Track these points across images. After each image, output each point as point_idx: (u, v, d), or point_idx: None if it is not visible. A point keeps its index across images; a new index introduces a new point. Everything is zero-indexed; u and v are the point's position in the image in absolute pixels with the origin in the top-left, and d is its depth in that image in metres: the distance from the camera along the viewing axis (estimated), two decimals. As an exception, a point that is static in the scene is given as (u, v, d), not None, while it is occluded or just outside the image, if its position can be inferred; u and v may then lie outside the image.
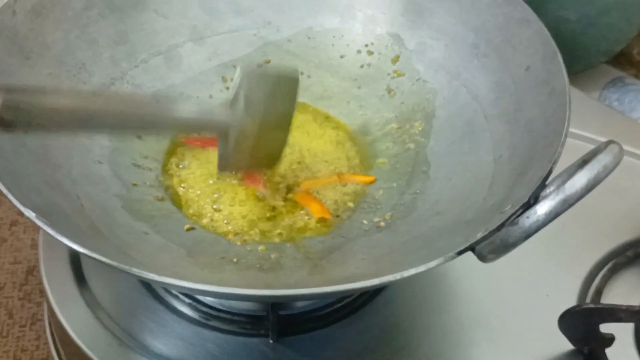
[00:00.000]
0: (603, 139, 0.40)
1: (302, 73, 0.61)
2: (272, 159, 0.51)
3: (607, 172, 0.36)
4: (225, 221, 0.52)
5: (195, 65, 0.60)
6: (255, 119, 0.47)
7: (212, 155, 0.56)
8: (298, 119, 0.59)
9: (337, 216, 0.53)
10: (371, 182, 0.55)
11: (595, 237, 0.58)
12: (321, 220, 0.52)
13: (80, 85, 0.53)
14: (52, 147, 0.49)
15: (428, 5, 0.59)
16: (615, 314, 0.47)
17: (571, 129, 0.61)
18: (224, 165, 0.50)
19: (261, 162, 0.51)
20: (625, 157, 0.63)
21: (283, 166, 0.55)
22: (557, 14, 0.75)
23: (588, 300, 0.53)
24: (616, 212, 0.60)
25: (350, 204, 0.54)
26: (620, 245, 0.57)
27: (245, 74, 0.46)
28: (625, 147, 0.63)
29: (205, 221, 0.52)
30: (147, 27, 0.59)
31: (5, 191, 0.39)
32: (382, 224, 0.51)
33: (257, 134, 0.47)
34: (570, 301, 0.53)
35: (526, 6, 0.52)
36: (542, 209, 0.36)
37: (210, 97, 0.60)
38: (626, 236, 0.58)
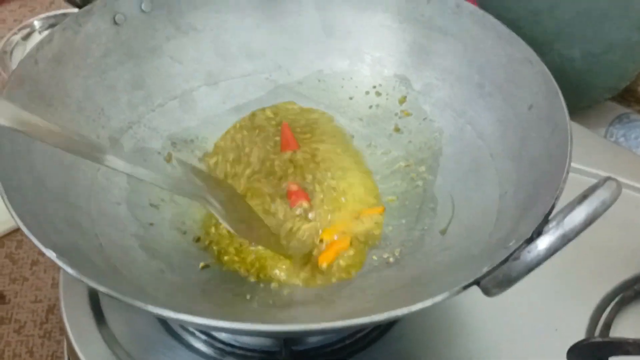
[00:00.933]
0: (609, 175, 0.41)
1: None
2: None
3: (605, 207, 0.37)
4: (238, 259, 0.53)
5: (209, 109, 0.62)
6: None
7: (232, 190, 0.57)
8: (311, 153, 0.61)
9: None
10: (381, 213, 0.56)
11: (603, 270, 0.59)
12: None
13: (99, 129, 0.55)
14: (72, 188, 0.50)
15: (433, 47, 0.60)
16: (624, 347, 0.47)
17: (578, 165, 0.62)
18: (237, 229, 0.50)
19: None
20: (632, 193, 0.64)
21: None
22: (562, 52, 0.76)
23: (597, 333, 0.54)
24: (624, 246, 0.61)
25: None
26: (628, 278, 0.58)
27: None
28: (632, 183, 0.65)
29: (219, 258, 0.53)
30: (163, 73, 0.61)
31: (26, 232, 0.40)
32: (391, 259, 0.52)
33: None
34: (579, 335, 0.53)
35: (528, 47, 0.53)
36: (542, 244, 0.37)
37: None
38: (634, 270, 0.58)
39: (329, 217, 0.55)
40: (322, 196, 0.56)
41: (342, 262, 0.52)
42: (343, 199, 0.56)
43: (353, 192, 0.57)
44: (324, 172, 0.58)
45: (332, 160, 0.59)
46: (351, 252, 0.53)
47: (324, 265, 0.52)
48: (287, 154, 0.59)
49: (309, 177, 0.58)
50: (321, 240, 0.54)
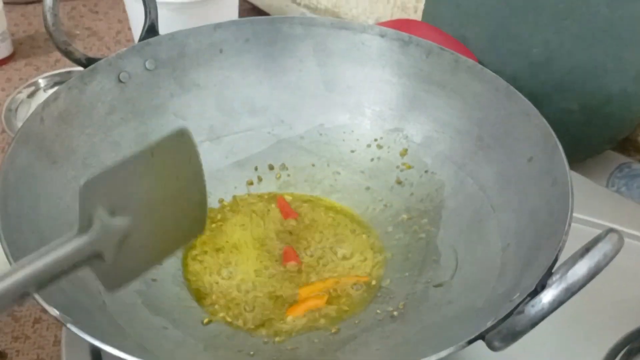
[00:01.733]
0: (611, 225, 0.41)
1: (313, 165, 0.64)
2: (196, 223, 0.44)
3: (607, 260, 0.37)
4: (242, 314, 0.53)
5: (213, 163, 0.62)
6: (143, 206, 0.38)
7: (231, 244, 0.57)
8: (312, 214, 0.61)
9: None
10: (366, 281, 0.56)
11: (609, 322, 0.58)
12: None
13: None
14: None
15: (433, 101, 0.61)
16: (633, 400, 0.47)
17: (580, 215, 0.62)
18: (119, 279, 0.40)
19: (181, 236, 0.43)
20: (636, 243, 0.64)
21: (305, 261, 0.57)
22: (560, 105, 0.77)
23: (605, 386, 0.53)
24: (629, 297, 0.60)
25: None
26: (635, 330, 0.57)
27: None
28: (636, 233, 0.65)
29: (222, 314, 0.53)
30: (167, 129, 0.59)
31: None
32: (395, 313, 0.52)
33: (158, 214, 0.39)
34: (587, 388, 0.53)
35: (526, 100, 0.54)
36: (546, 297, 0.37)
37: (225, 193, 0.62)
38: (640, 321, 0.58)
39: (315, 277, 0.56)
40: (312, 259, 0.58)
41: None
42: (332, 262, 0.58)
43: (345, 256, 0.58)
44: (319, 238, 0.60)
45: (329, 226, 0.61)
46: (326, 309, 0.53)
47: (289, 317, 0.52)
48: (285, 222, 0.61)
49: (304, 242, 0.59)
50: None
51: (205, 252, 0.57)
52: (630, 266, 0.61)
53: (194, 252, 0.57)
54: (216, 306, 0.53)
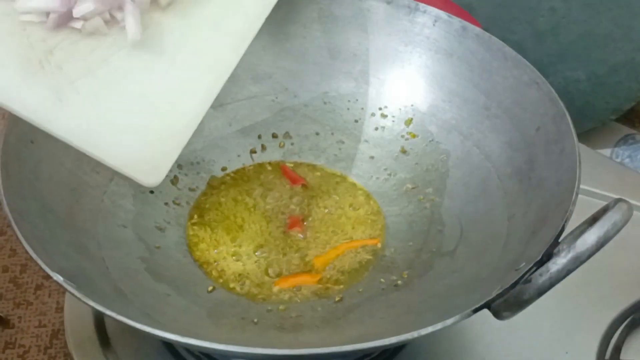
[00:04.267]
0: (615, 196, 0.41)
1: (317, 134, 0.64)
2: None
3: (616, 229, 0.36)
4: (245, 282, 0.53)
5: (216, 131, 0.62)
6: None
7: (235, 216, 0.57)
8: (316, 182, 0.61)
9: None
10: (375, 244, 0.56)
11: (612, 293, 0.58)
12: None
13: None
14: (78, 212, 0.50)
15: (439, 69, 0.60)
16: (635, 370, 0.47)
17: (584, 186, 0.62)
18: None
19: None
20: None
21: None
22: (566, 74, 0.77)
23: (607, 356, 0.53)
24: (633, 268, 0.61)
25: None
26: (638, 301, 0.57)
27: None
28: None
29: (225, 282, 0.53)
30: None
31: (34, 256, 0.40)
32: (399, 282, 0.52)
33: None
34: (590, 358, 0.53)
35: (534, 69, 0.54)
36: (554, 266, 0.37)
37: (229, 161, 0.62)
38: (643, 292, 0.58)
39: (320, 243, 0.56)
40: (316, 226, 0.57)
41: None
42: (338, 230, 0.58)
43: (352, 222, 0.58)
44: (323, 206, 0.59)
45: (333, 195, 0.60)
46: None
47: (276, 287, 0.52)
48: (289, 190, 0.60)
49: (308, 209, 0.59)
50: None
51: (209, 221, 0.57)
52: (634, 237, 0.61)
53: (198, 220, 0.57)
54: (220, 274, 0.53)
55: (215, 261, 0.54)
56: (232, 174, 0.61)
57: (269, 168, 0.62)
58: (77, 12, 0.46)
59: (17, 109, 0.45)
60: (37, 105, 0.45)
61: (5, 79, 0.45)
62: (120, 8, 0.47)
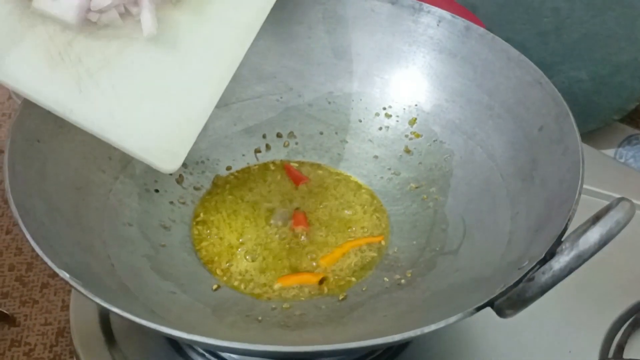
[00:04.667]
0: (619, 196, 0.41)
1: (321, 133, 0.64)
2: None
3: (619, 228, 0.37)
4: (250, 280, 0.53)
5: (220, 130, 0.62)
6: None
7: (240, 215, 0.58)
8: (320, 181, 0.61)
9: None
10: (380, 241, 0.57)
11: (615, 292, 0.59)
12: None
13: (111, 150, 0.54)
14: (84, 210, 0.51)
15: (443, 69, 0.61)
16: (638, 369, 0.48)
17: (587, 186, 0.62)
18: None
19: None
20: (643, 213, 0.64)
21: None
22: (569, 74, 0.77)
23: (610, 355, 0.53)
24: (636, 268, 0.61)
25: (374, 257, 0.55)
26: (640, 300, 0.58)
27: None
28: (643, 204, 0.64)
29: (230, 280, 0.53)
30: None
31: (41, 254, 0.41)
32: (402, 281, 0.52)
33: None
34: (593, 357, 0.53)
35: (537, 69, 0.54)
36: (557, 264, 0.37)
37: (234, 161, 0.62)
38: (646, 291, 0.58)
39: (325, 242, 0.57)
40: (321, 225, 0.58)
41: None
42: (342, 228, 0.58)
43: (356, 221, 0.58)
44: (327, 205, 0.59)
45: (337, 194, 0.61)
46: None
47: (278, 285, 0.53)
48: (293, 189, 0.61)
49: (312, 208, 0.59)
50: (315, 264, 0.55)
51: (214, 219, 0.57)
52: (636, 237, 0.61)
53: (203, 219, 0.57)
54: (224, 272, 0.53)
55: (219, 259, 0.54)
56: (236, 173, 0.62)
57: (273, 168, 0.62)
58: (94, 4, 0.48)
59: (40, 99, 0.47)
60: (59, 96, 0.47)
61: (29, 71, 0.47)
62: (136, 3, 0.49)
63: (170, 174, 0.58)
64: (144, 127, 0.49)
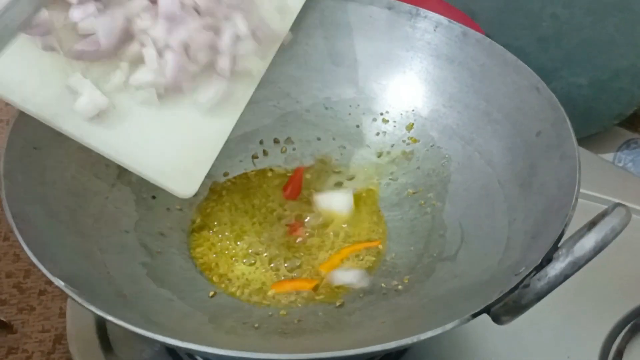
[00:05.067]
0: (617, 201, 0.41)
1: (319, 139, 0.64)
2: None
3: (614, 233, 0.36)
4: (247, 286, 0.53)
5: (218, 136, 0.62)
6: None
7: (237, 221, 0.57)
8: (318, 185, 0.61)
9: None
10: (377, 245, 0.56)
11: (614, 298, 0.58)
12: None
13: (108, 158, 0.55)
14: (81, 217, 0.50)
15: (440, 74, 0.61)
16: (637, 375, 0.47)
17: (586, 191, 0.62)
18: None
19: None
20: (642, 218, 0.64)
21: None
22: (569, 79, 0.77)
23: (609, 361, 0.53)
24: (634, 273, 0.61)
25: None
26: (639, 305, 0.57)
27: None
28: (641, 208, 0.64)
29: (227, 287, 0.53)
30: None
31: (35, 261, 0.41)
32: (400, 287, 0.52)
33: None
34: (592, 363, 0.53)
35: (535, 74, 0.54)
36: (552, 271, 0.37)
37: (231, 167, 0.62)
38: (645, 296, 0.58)
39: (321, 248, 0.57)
40: (318, 231, 0.58)
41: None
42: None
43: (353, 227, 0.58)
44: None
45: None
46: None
47: (272, 291, 0.53)
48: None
49: (309, 214, 0.59)
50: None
51: (210, 226, 0.57)
52: (634, 242, 0.61)
53: (200, 225, 0.57)
54: (221, 279, 0.53)
55: (216, 266, 0.54)
56: (233, 179, 0.62)
57: (270, 174, 0.62)
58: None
59: (59, 125, 0.45)
60: (76, 119, 0.46)
61: (48, 99, 0.45)
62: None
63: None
64: (159, 151, 0.48)
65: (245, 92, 0.52)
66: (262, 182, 0.62)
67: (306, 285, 0.53)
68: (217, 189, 0.60)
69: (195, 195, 0.58)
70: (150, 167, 0.47)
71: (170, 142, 0.48)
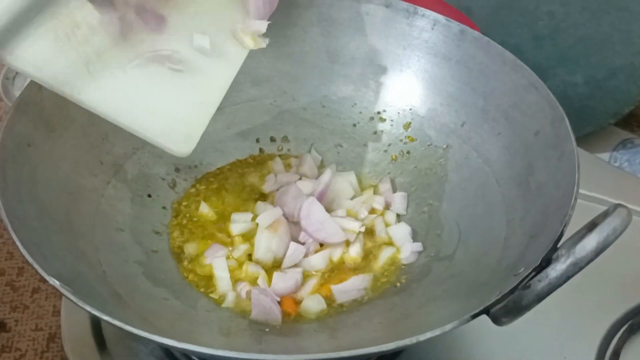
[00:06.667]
0: (614, 201, 0.41)
1: (316, 137, 0.64)
2: None
3: (616, 234, 0.36)
4: (243, 286, 0.52)
5: (214, 134, 0.61)
6: None
7: (230, 214, 0.57)
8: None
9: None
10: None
11: (611, 298, 0.58)
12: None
13: (103, 155, 0.54)
14: (76, 216, 0.50)
15: (438, 72, 0.60)
16: (634, 375, 0.47)
17: (582, 191, 0.62)
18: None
19: None
20: (638, 219, 0.64)
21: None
22: (565, 78, 0.77)
23: (606, 362, 0.53)
24: (631, 273, 0.61)
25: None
26: (636, 306, 0.57)
27: None
28: (638, 209, 0.64)
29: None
30: None
31: (30, 260, 0.40)
32: (397, 286, 0.52)
33: None
34: (588, 363, 0.53)
35: (533, 73, 0.53)
36: (553, 272, 0.37)
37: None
38: (642, 297, 0.58)
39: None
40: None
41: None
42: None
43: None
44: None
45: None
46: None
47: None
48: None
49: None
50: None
51: (205, 222, 0.57)
52: (632, 242, 0.61)
53: (193, 223, 0.57)
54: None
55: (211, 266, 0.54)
56: (228, 177, 0.61)
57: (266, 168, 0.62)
58: None
59: (48, 80, 0.45)
60: (68, 77, 0.45)
61: (40, 52, 0.44)
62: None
63: (163, 178, 0.57)
64: (156, 110, 0.48)
65: (239, 55, 0.52)
66: (258, 177, 0.61)
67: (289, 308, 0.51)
68: (212, 187, 0.60)
69: (191, 193, 0.58)
70: (148, 127, 0.47)
71: (167, 102, 0.49)
